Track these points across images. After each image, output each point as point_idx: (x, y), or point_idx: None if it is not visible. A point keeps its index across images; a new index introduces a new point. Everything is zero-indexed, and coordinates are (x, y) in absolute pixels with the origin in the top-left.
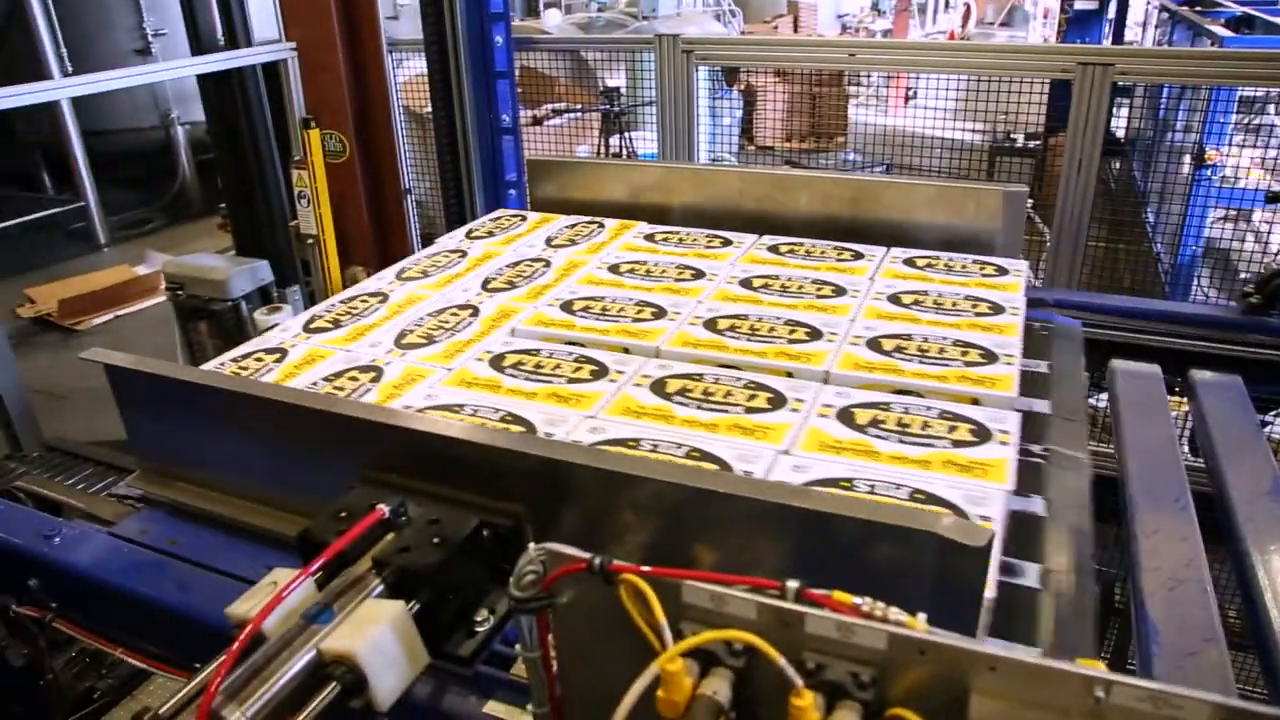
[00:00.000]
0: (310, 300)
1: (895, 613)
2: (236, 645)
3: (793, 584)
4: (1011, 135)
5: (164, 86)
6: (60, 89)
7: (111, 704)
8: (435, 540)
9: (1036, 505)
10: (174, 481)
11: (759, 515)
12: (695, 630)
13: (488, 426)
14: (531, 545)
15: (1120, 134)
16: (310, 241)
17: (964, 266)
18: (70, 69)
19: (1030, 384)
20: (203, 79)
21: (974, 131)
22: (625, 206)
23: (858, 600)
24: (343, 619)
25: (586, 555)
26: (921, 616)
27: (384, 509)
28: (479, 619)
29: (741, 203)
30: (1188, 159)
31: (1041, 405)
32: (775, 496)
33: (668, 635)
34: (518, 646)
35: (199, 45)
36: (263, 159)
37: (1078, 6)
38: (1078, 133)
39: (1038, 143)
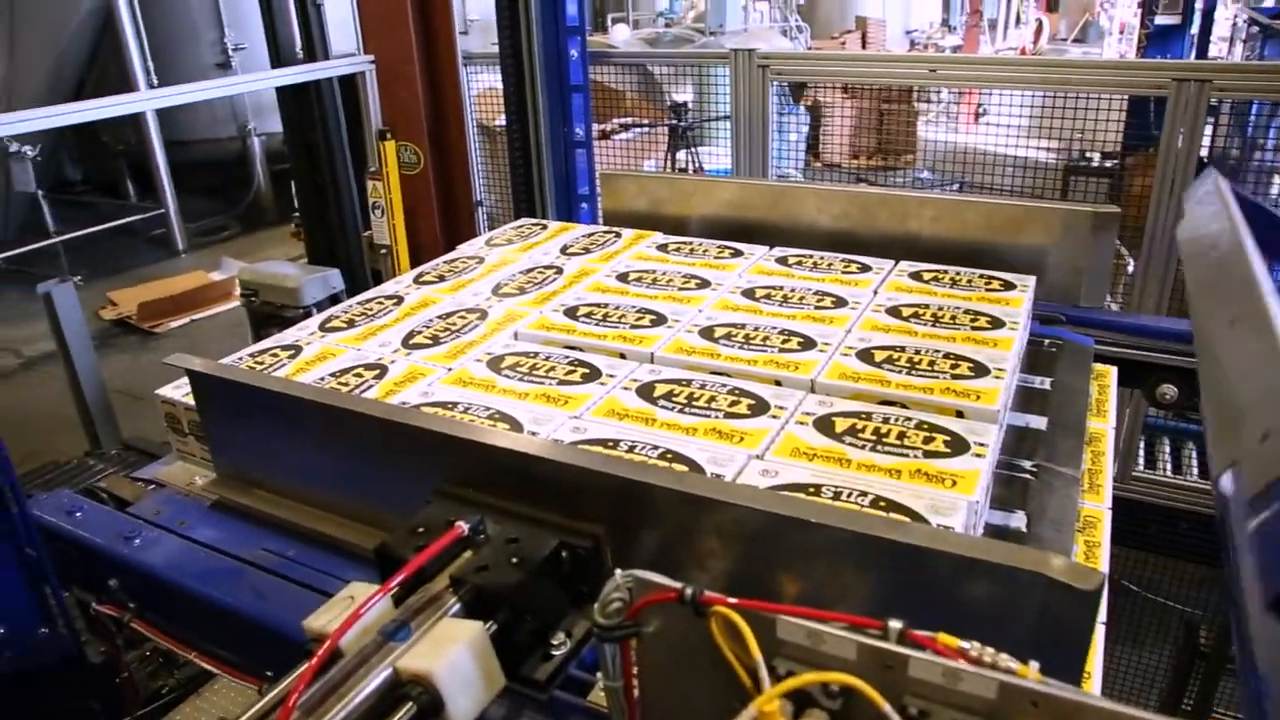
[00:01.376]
0: None
1: (1006, 659)
2: (316, 660)
3: (895, 624)
4: (1087, 154)
5: (242, 99)
6: (146, 101)
7: (178, 700)
8: (514, 560)
9: (1017, 520)
10: (251, 488)
11: (846, 546)
12: (789, 667)
13: (566, 444)
14: (618, 571)
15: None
16: (383, 251)
17: (970, 280)
18: (155, 82)
19: (1031, 400)
20: (281, 91)
21: (1047, 150)
22: (698, 220)
23: (964, 644)
24: (419, 637)
25: (677, 585)
26: (1034, 665)
27: (463, 526)
28: (555, 642)
29: (818, 220)
30: (1278, 179)
31: (1037, 421)
32: (866, 528)
33: (764, 673)
34: (598, 674)
35: (279, 58)
36: (337, 169)
37: (1159, 21)
38: (1170, 152)
39: (1114, 162)
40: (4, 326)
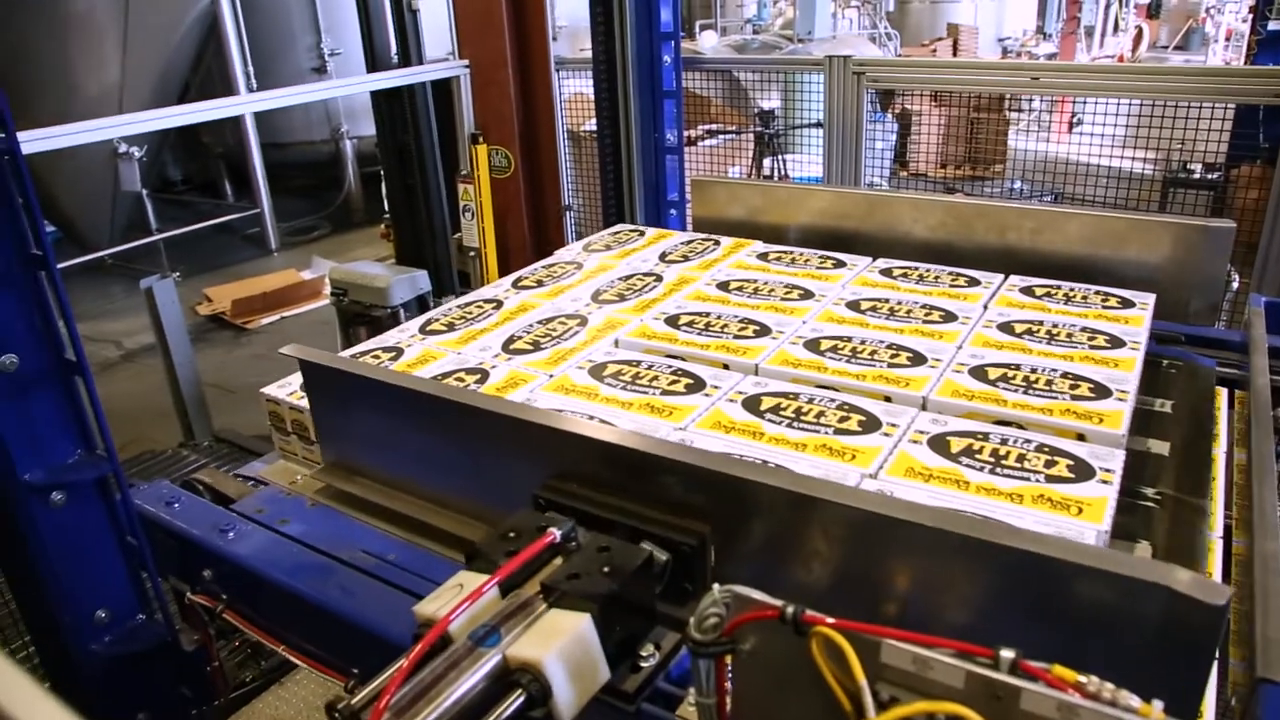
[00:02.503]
0: None
1: (1126, 696)
2: (425, 642)
3: (1008, 653)
4: (1188, 166)
5: (336, 103)
6: (247, 104)
7: (260, 689)
8: (605, 569)
9: (1142, 550)
10: (355, 477)
11: (956, 550)
12: (892, 693)
13: (671, 442)
14: (716, 586)
15: None
16: (472, 254)
17: (1084, 297)
18: (255, 85)
19: (1151, 422)
20: (375, 95)
21: (1144, 161)
22: (793, 229)
23: (1082, 678)
24: (524, 629)
25: (777, 603)
26: (1157, 704)
27: (555, 532)
28: (644, 653)
29: (914, 230)
30: None
31: (1159, 445)
32: (977, 532)
33: (868, 699)
34: (690, 690)
35: (374, 63)
36: (427, 172)
37: (1271, 27)
38: None
39: (1218, 174)
40: (107, 320)
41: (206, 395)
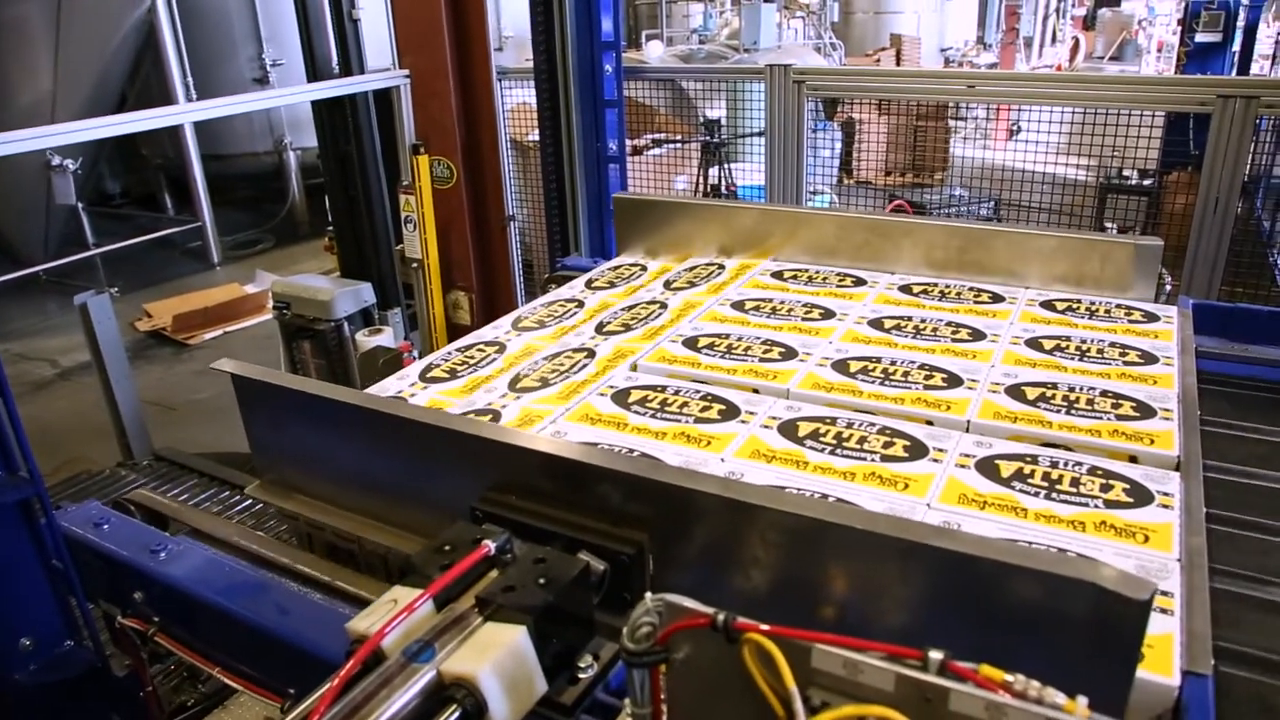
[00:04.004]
0: (411, 323)
1: (1052, 693)
2: (357, 658)
3: (936, 654)
4: (1124, 172)
5: (279, 113)
6: (185, 114)
7: (201, 714)
8: (541, 580)
9: None
10: (293, 493)
11: (890, 555)
12: (824, 698)
13: (609, 451)
14: (649, 595)
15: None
16: (415, 265)
17: (1108, 311)
18: (195, 96)
19: None
20: (316, 105)
21: (1081, 168)
22: (712, 248)
23: (1009, 677)
24: (460, 643)
25: (708, 610)
26: (1082, 701)
27: (489, 545)
28: (582, 665)
29: (839, 248)
30: None
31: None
32: (906, 534)
33: (798, 705)
34: (626, 701)
35: (315, 73)
36: (370, 183)
37: (1199, 39)
38: (1215, 170)
39: (1152, 180)
40: (42, 337)
41: (147, 413)
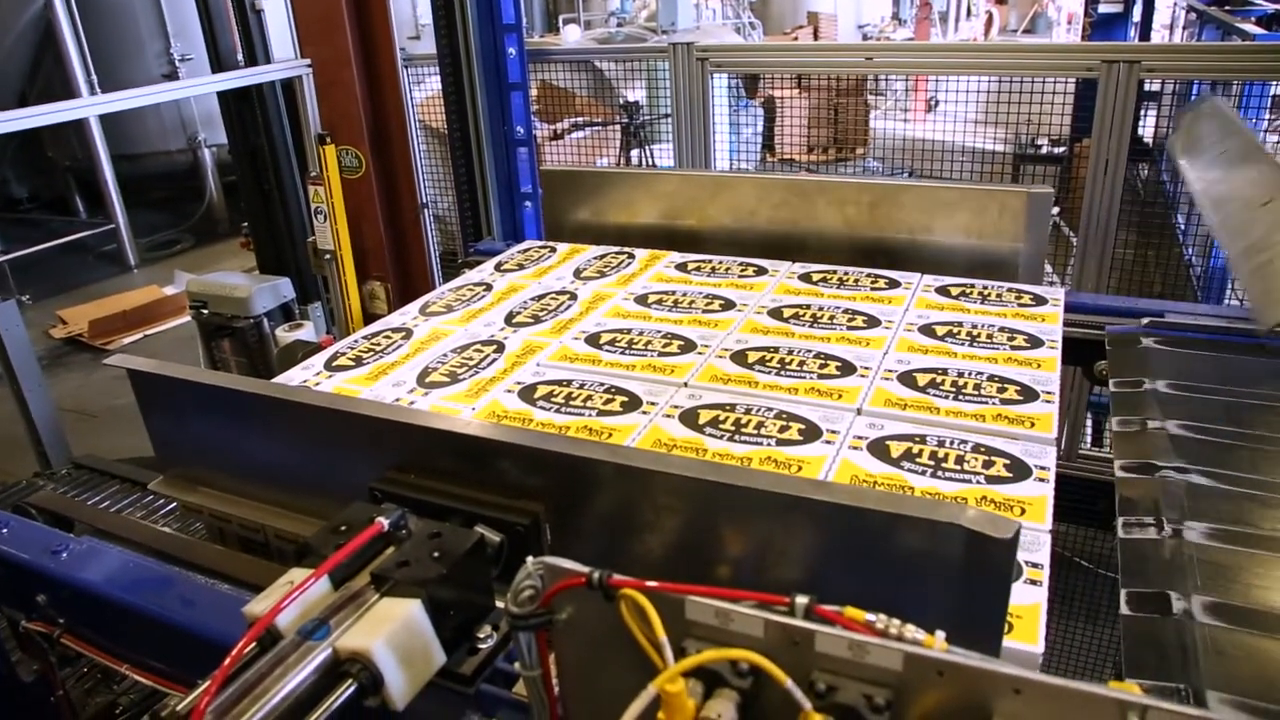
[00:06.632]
0: (330, 316)
1: (911, 630)
2: (248, 636)
3: (802, 599)
4: (1036, 141)
5: (191, 110)
6: (87, 107)
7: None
8: (435, 554)
9: None
10: (198, 487)
11: (778, 510)
12: (699, 647)
13: (503, 424)
14: (529, 559)
15: (1148, 139)
16: (328, 257)
17: (999, 295)
18: (99, 93)
19: None
20: (224, 98)
21: (998, 139)
22: (640, 220)
23: (871, 617)
24: (356, 619)
25: (585, 569)
26: (940, 635)
27: (383, 522)
28: (481, 635)
29: (759, 209)
30: None
31: None
32: (794, 490)
33: (668, 654)
34: (517, 665)
35: (219, 65)
36: (282, 176)
37: (1101, 10)
38: (1104, 134)
39: (1063, 149)
40: None
41: (66, 421)
